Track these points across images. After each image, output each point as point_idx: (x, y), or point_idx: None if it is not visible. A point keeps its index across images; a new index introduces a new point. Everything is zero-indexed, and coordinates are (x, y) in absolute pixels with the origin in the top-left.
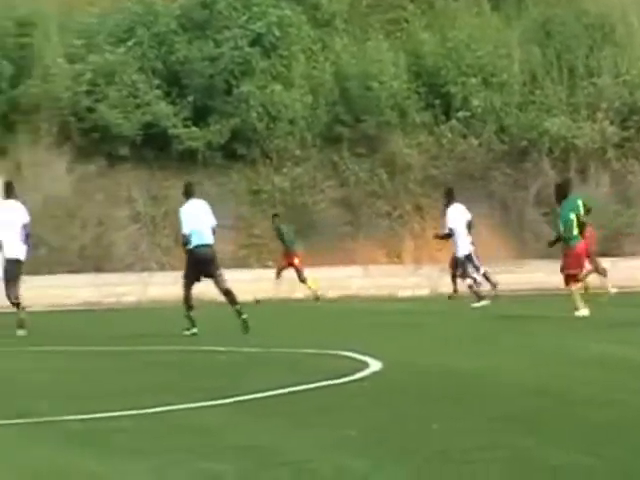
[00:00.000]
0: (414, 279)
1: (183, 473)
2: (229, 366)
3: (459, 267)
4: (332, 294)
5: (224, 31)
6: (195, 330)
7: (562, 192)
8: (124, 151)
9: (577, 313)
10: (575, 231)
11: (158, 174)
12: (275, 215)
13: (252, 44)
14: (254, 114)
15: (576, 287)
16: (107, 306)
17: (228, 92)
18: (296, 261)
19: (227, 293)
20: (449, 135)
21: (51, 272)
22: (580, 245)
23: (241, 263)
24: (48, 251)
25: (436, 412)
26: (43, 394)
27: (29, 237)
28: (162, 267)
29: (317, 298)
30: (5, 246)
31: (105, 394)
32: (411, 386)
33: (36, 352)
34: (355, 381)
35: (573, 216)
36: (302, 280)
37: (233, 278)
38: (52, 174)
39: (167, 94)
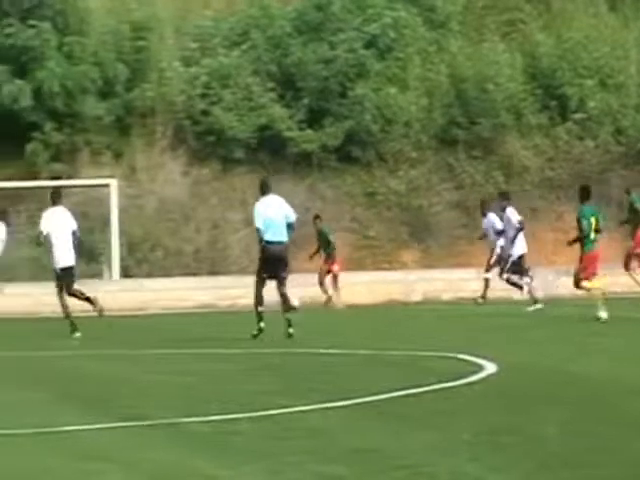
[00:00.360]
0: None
1: (299, 476)
2: (344, 368)
3: (505, 265)
4: (446, 297)
5: (339, 33)
6: (262, 325)
7: (586, 194)
8: (239, 154)
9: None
10: (592, 235)
11: (273, 177)
12: (316, 217)
13: (367, 46)
14: (369, 116)
15: (594, 287)
16: (222, 309)
17: (343, 95)
18: (335, 268)
19: (283, 298)
20: (565, 137)
21: (167, 275)
22: (595, 250)
23: (356, 265)
24: (164, 254)
25: (551, 415)
26: (161, 396)
27: (80, 243)
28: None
29: (328, 301)
30: (58, 254)
31: (222, 396)
32: (526, 389)
33: (154, 355)
34: (470, 384)
35: (592, 221)
36: (327, 288)
37: (349, 280)
38: (167, 177)
39: (282, 97)
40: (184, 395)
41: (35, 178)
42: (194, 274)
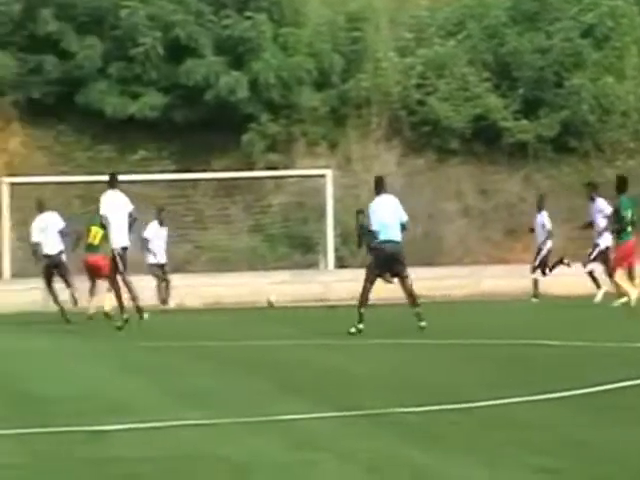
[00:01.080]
0: None
1: (514, 467)
2: (561, 360)
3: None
4: None
5: (555, 23)
6: (361, 327)
7: (622, 186)
8: (454, 145)
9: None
10: (629, 228)
11: (488, 168)
12: (359, 212)
13: (584, 35)
14: (585, 107)
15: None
16: (438, 299)
17: (559, 84)
18: None
19: (410, 294)
20: None
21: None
22: (630, 242)
23: (574, 257)
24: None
25: None
26: (373, 386)
27: (133, 224)
28: (492, 260)
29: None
30: (115, 235)
31: (438, 387)
32: None
33: (368, 345)
34: None
35: (629, 214)
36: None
37: (564, 271)
38: (382, 167)
39: (497, 87)
40: (400, 385)
41: (251, 169)
42: (413, 265)
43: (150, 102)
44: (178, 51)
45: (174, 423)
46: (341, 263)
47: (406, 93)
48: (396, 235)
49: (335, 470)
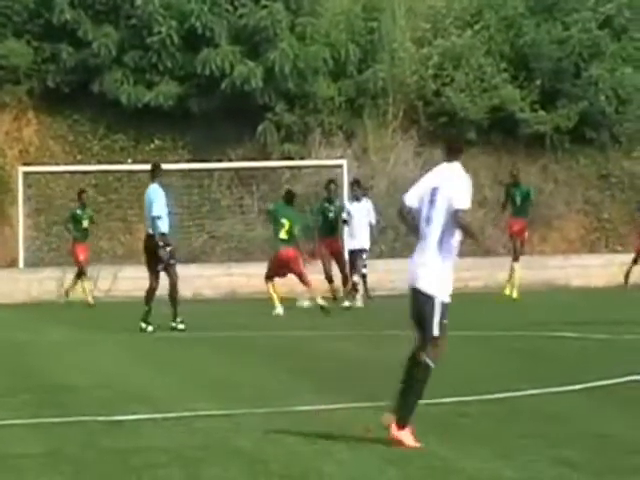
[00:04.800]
0: None
1: (530, 458)
2: (580, 352)
3: None
4: None
5: (573, 13)
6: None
7: None
8: (471, 135)
9: None
10: None
11: (505, 159)
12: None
13: (601, 26)
14: (603, 97)
15: None
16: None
17: (577, 75)
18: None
19: None
20: None
21: (394, 256)
22: None
23: (590, 248)
24: (394, 235)
25: None
26: (396, 378)
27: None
28: (509, 251)
29: None
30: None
31: (458, 379)
32: None
33: (389, 337)
34: None
35: None
36: None
37: (582, 263)
38: (398, 158)
39: (514, 78)
40: None
41: (267, 159)
42: None
43: (165, 91)
44: (194, 40)
45: (192, 414)
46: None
47: (423, 84)
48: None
49: (350, 460)
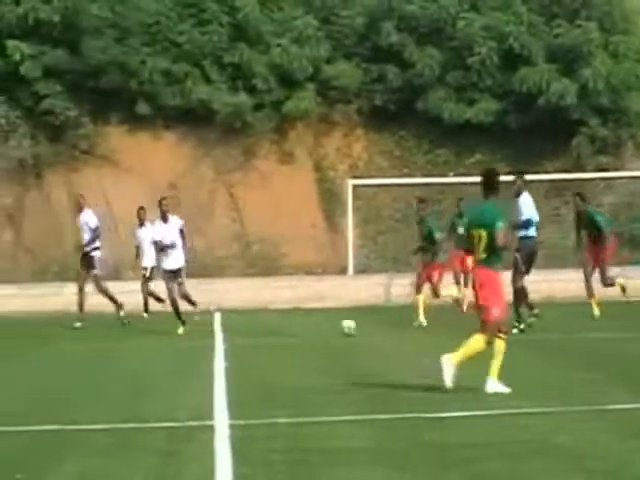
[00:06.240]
0: None
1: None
2: None
3: None
4: None
5: None
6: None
7: None
8: None
9: None
10: None
11: None
12: (421, 201)
13: None
14: None
15: None
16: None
17: None
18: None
19: None
20: None
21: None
22: None
23: None
24: None
25: None
26: None
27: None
28: None
29: None
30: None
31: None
32: None
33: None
34: None
35: None
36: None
37: None
38: None
39: None
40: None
41: (581, 171)
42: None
43: (485, 108)
44: (512, 59)
45: (510, 411)
46: None
47: None
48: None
49: None
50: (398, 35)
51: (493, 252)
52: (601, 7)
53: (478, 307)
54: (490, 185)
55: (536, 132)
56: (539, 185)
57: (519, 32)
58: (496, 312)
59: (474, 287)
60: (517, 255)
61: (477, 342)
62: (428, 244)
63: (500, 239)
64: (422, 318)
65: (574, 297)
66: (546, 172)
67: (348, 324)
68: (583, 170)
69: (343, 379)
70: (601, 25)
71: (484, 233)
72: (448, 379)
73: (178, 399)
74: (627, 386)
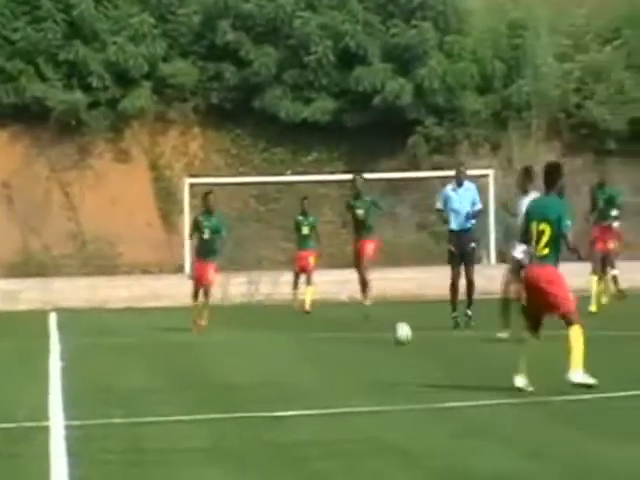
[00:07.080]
0: None
1: None
2: None
3: None
4: None
5: None
6: None
7: None
8: (611, 145)
9: None
10: None
11: None
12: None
13: None
14: None
15: None
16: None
17: None
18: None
19: None
20: None
21: None
22: None
23: None
24: None
25: None
26: (541, 376)
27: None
28: None
29: None
30: None
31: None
32: None
33: None
34: None
35: None
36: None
37: None
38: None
39: None
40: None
41: (417, 169)
42: None
43: (322, 107)
44: (348, 59)
45: (347, 410)
46: (502, 258)
47: (565, 97)
48: None
49: (497, 456)
50: (234, 33)
51: (556, 248)
52: (436, 7)
53: (539, 305)
54: (553, 180)
55: (372, 131)
56: (376, 184)
57: (355, 31)
58: (572, 299)
59: (530, 284)
60: None
61: (577, 335)
62: None
63: (571, 240)
64: None
65: (410, 296)
66: (382, 171)
67: (407, 333)
68: (419, 169)
69: (180, 379)
70: (436, 25)
71: (548, 228)
72: (592, 380)
73: (12, 399)
74: (462, 385)
